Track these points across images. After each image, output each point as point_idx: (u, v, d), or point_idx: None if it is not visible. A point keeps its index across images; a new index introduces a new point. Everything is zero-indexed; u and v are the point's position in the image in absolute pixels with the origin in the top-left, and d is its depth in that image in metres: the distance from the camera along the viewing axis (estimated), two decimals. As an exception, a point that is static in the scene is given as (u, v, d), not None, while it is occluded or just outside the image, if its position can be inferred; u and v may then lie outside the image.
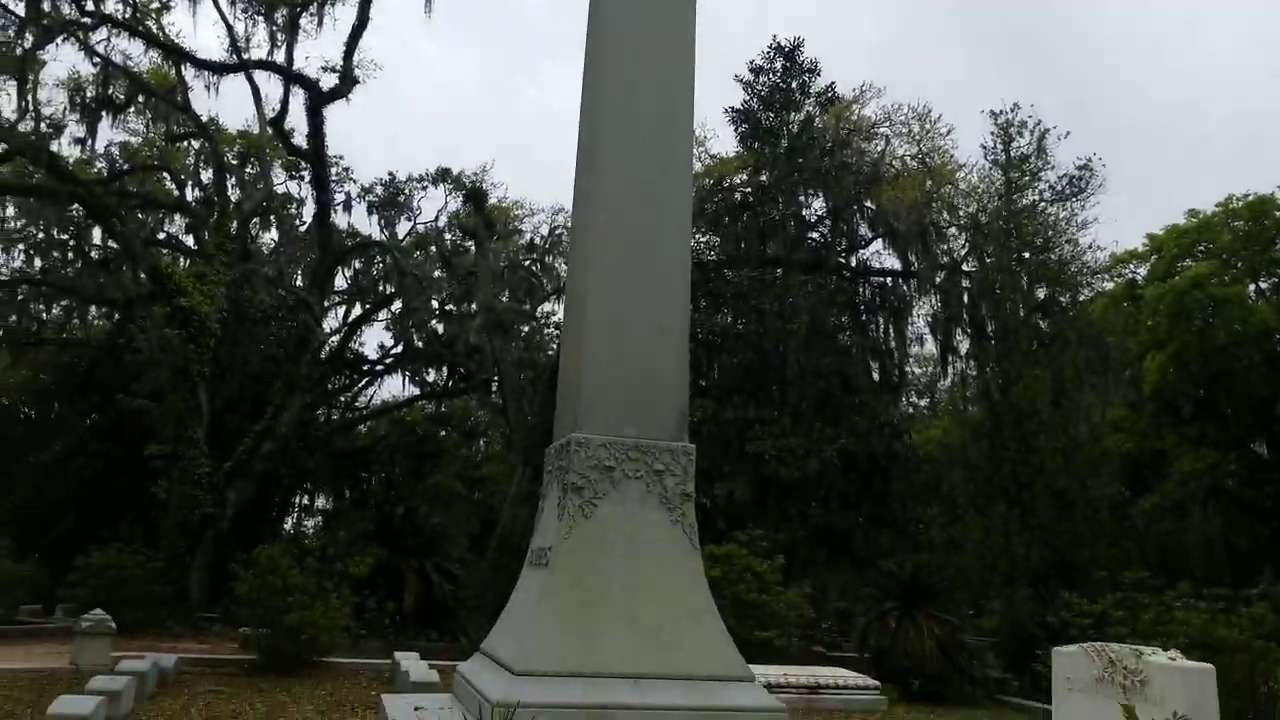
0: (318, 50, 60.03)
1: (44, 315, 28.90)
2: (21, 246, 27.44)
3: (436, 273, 30.84)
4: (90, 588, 17.74)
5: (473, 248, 29.35)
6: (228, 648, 15.78)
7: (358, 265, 29.25)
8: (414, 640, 16.06)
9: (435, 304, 30.36)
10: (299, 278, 29.36)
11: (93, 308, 28.66)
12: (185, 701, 10.66)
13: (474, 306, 28.51)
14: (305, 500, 34.58)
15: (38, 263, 27.51)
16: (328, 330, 30.04)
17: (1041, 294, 21.52)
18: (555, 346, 27.16)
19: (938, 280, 23.74)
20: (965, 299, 23.00)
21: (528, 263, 32.19)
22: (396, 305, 29.92)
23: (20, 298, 27.26)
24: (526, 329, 32.35)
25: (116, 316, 26.79)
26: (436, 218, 30.44)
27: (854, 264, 26.19)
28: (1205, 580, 16.69)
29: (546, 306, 32.00)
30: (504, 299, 29.47)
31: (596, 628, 8.23)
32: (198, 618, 19.82)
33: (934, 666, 14.26)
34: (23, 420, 29.22)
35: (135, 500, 23.77)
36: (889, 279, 25.75)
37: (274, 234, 30.65)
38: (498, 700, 7.40)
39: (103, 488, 25.48)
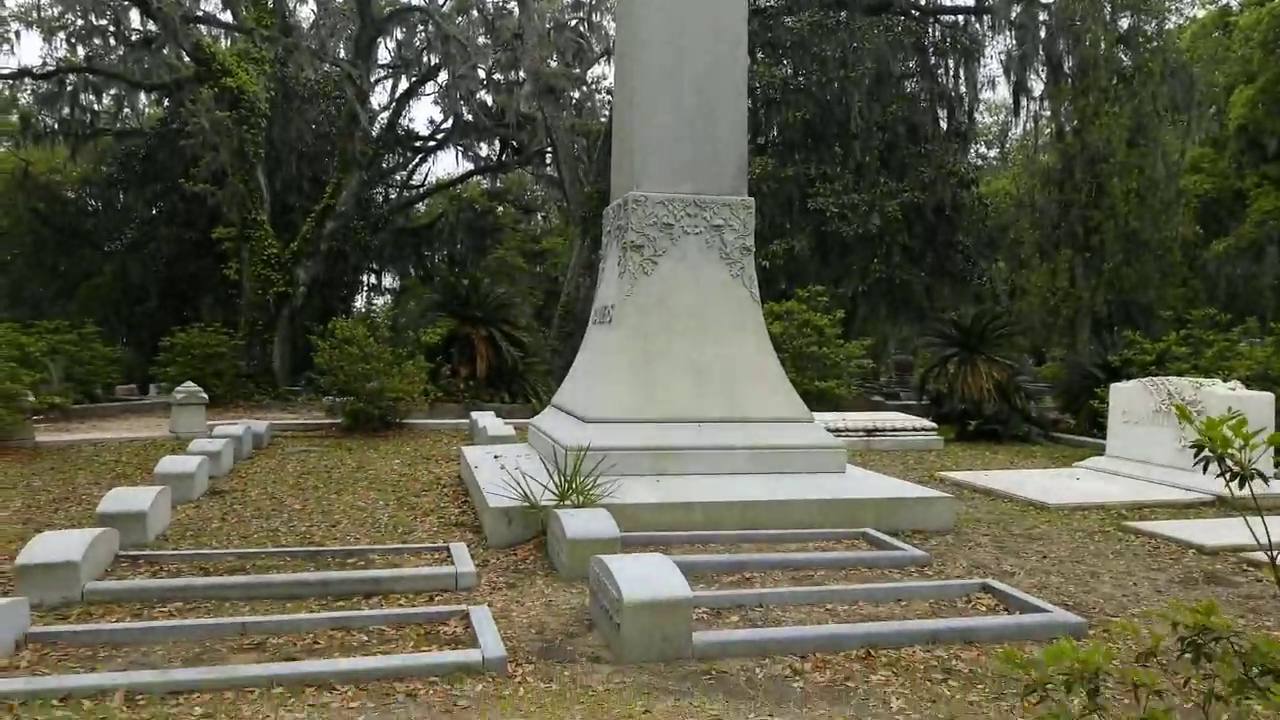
0: None
1: (95, 106, 28.83)
2: (62, 35, 27.02)
3: (481, 40, 29.70)
4: (179, 365, 18.55)
5: (516, 8, 28.05)
6: (314, 416, 16.63)
7: (400, 36, 28.28)
8: (487, 403, 16.81)
9: (482, 74, 29.46)
10: (341, 52, 28.58)
11: (142, 95, 28.47)
12: (280, 460, 11.42)
13: (521, 74, 27.62)
14: (373, 280, 35.50)
15: (81, 51, 27.15)
16: (377, 107, 29.58)
17: (1125, 24, 20.01)
18: (608, 113, 26.39)
19: (1013, 15, 22.11)
20: (1042, 33, 21.49)
21: (574, 22, 30.72)
22: (443, 77, 29.12)
23: (69, 89, 27.11)
24: (577, 95, 31.35)
25: (166, 102, 26.64)
26: (476, -26, 28.98)
27: (923, 2, 24.49)
28: (1276, 320, 16.43)
29: (596, 70, 30.88)
30: (552, 64, 28.42)
31: (661, 377, 8.52)
32: (283, 389, 20.89)
33: (991, 408, 14.48)
34: (91, 212, 29.84)
35: (210, 282, 24.59)
36: (960, 17, 24.11)
37: (312, 5, 29.67)
38: (570, 445, 7.84)
39: (179, 271, 26.33)
